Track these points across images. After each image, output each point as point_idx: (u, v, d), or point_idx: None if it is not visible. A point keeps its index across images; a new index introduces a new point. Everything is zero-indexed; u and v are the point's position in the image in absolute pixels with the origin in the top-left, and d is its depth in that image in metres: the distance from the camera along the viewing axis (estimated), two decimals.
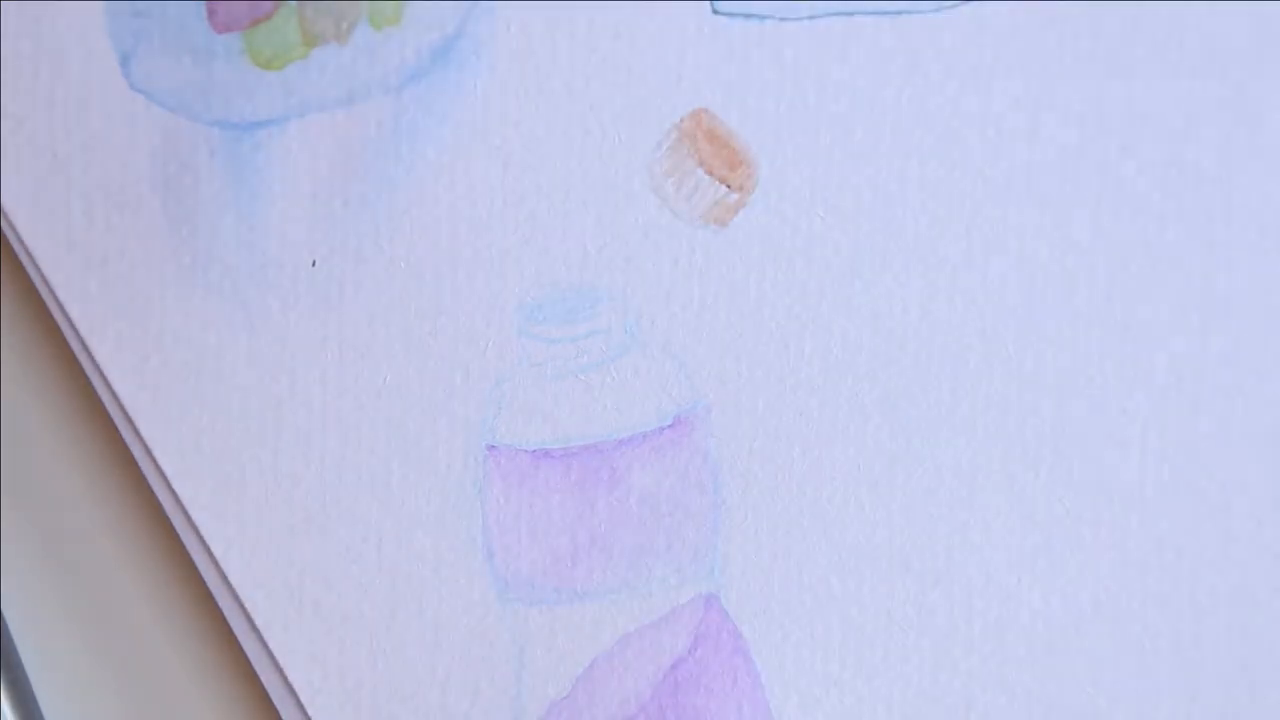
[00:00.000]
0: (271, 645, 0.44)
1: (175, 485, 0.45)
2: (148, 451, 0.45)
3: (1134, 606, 0.44)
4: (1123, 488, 0.44)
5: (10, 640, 0.45)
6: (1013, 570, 0.44)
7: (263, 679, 0.45)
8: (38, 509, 0.46)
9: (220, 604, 0.45)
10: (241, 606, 0.45)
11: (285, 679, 0.44)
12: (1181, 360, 0.44)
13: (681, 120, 0.44)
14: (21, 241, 0.45)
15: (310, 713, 0.44)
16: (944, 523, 0.44)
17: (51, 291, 0.45)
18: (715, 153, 0.44)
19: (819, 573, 0.44)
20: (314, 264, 0.45)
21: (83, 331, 0.45)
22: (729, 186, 0.44)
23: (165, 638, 0.46)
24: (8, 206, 0.45)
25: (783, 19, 0.44)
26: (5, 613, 0.46)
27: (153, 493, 0.46)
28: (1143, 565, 0.44)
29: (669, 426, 0.44)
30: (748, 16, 0.44)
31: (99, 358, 0.45)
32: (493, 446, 0.44)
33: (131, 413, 0.45)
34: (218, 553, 0.45)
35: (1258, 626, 0.44)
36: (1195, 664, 0.44)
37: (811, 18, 0.44)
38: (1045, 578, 0.44)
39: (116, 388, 0.45)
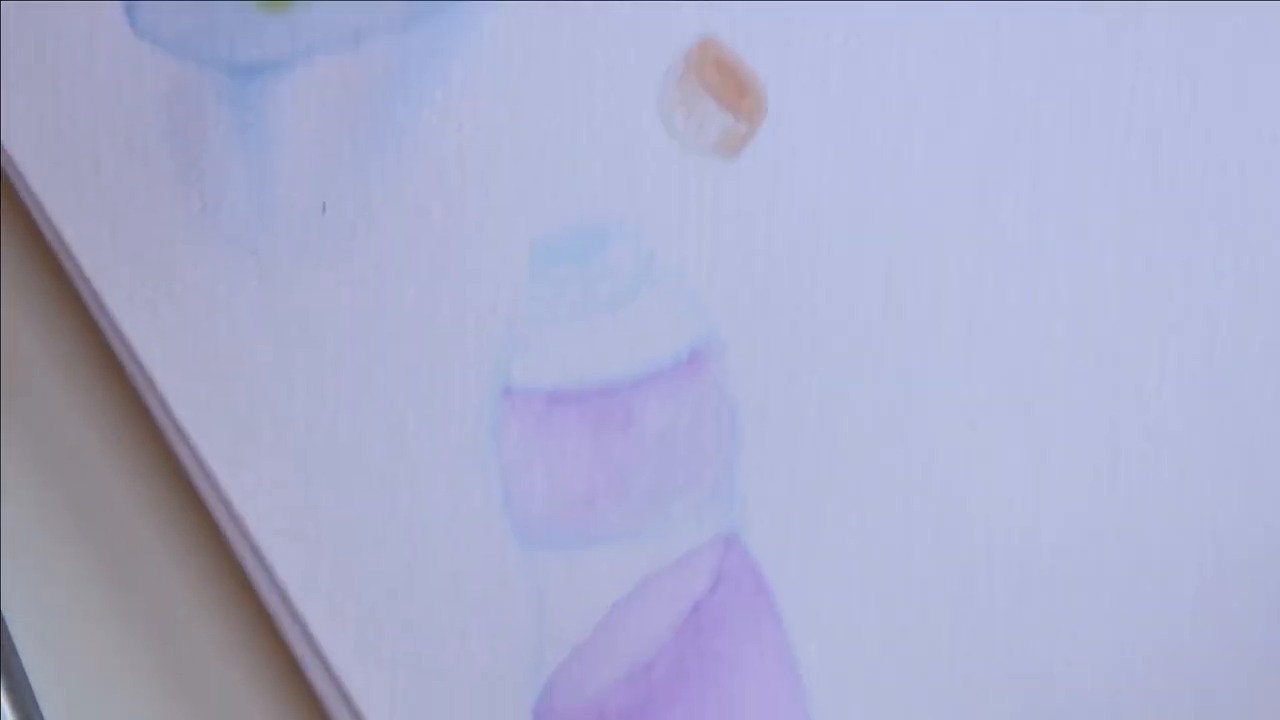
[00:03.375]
0: (292, 597, 0.44)
1: (191, 435, 0.45)
2: (162, 402, 0.45)
3: (1155, 535, 0.44)
4: (1146, 413, 0.44)
5: (10, 641, 0.45)
6: (1034, 500, 0.44)
7: (283, 630, 0.45)
8: (48, 461, 0.46)
9: (240, 557, 0.45)
10: (261, 558, 0.44)
11: (307, 632, 0.44)
12: (1207, 296, 0.44)
13: (689, 50, 0.44)
14: (30, 192, 0.45)
15: (331, 663, 0.44)
16: (963, 455, 0.44)
17: (63, 243, 0.45)
18: (724, 82, 0.44)
19: (837, 509, 0.44)
20: (324, 209, 0.45)
21: (95, 283, 0.45)
22: (739, 116, 0.44)
23: (185, 594, 0.46)
24: (16, 157, 0.45)
25: None
26: (5, 605, 0.46)
27: (169, 445, 0.45)
28: (1169, 487, 0.44)
29: (685, 363, 0.44)
30: None
31: (111, 308, 0.45)
32: (507, 389, 0.44)
33: (146, 363, 0.45)
34: (235, 501, 0.44)
35: None
36: (1221, 602, 0.44)
37: None
38: (1064, 503, 0.44)
39: (130, 338, 0.45)
